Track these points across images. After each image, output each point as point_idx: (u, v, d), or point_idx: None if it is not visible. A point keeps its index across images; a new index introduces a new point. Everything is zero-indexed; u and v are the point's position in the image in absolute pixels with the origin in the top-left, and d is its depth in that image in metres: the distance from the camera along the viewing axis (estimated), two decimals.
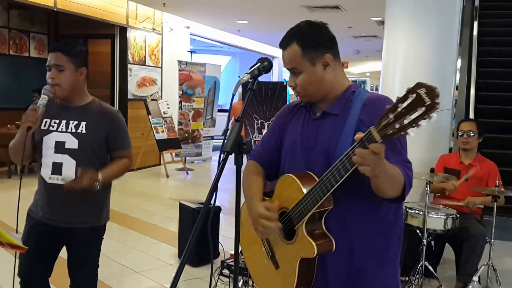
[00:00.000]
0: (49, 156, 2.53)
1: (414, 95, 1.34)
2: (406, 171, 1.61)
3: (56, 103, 2.59)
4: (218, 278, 3.95)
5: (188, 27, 11.59)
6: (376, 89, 20.74)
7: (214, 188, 1.58)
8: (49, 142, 2.53)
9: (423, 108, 1.31)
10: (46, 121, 2.54)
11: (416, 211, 3.88)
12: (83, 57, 2.55)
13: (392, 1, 5.39)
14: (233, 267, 3.90)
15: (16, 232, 2.28)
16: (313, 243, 1.65)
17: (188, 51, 11.93)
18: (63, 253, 2.67)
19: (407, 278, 3.93)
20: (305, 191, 1.67)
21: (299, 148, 1.83)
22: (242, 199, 1.80)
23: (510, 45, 7.84)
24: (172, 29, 10.92)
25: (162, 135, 9.51)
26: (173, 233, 5.35)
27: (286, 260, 1.78)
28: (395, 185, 1.58)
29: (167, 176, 9.39)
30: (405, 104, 1.35)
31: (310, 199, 1.64)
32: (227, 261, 4.06)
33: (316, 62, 1.74)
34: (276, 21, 11.17)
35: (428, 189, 3.82)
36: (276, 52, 17.21)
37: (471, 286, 3.71)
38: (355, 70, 22.32)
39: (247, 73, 1.77)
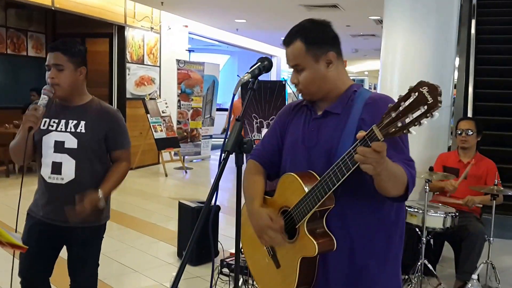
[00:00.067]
0: (48, 156, 2.52)
1: (417, 93, 1.34)
2: (409, 170, 1.61)
3: (55, 102, 2.59)
4: (218, 277, 3.96)
5: (186, 26, 11.58)
6: (375, 88, 20.77)
7: (215, 188, 1.57)
8: (48, 141, 2.52)
9: (425, 107, 1.31)
10: (45, 121, 2.53)
11: (415, 210, 3.89)
12: (82, 56, 2.54)
13: (390, 0, 5.40)
14: (232, 266, 3.90)
15: (16, 232, 2.27)
16: (314, 242, 1.65)
17: (186, 50, 11.92)
18: (63, 253, 2.67)
19: (406, 277, 3.93)
20: (306, 190, 1.67)
21: (300, 147, 1.82)
22: (243, 199, 1.79)
23: (508, 43, 7.87)
24: (170, 28, 10.91)
25: (160, 134, 9.51)
26: (172, 232, 5.35)
27: (287, 259, 1.78)
28: (398, 184, 1.58)
29: (166, 175, 9.39)
30: (407, 103, 1.35)
31: (312, 198, 1.64)
32: (227, 260, 4.06)
33: (319, 59, 1.74)
34: (275, 20, 11.18)
35: (427, 187, 3.82)
36: (274, 51, 17.21)
37: (470, 284, 3.71)
38: (353, 69, 22.34)
39: (247, 72, 1.77)
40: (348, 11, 9.58)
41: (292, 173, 1.74)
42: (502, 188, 3.89)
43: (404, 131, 1.36)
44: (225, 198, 7.26)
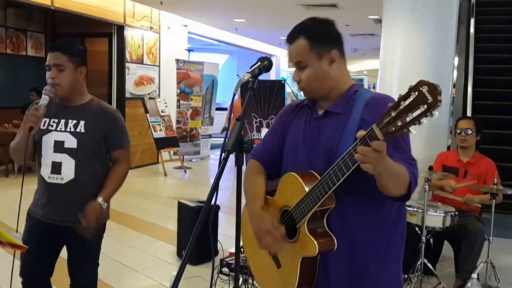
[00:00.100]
0: (48, 156, 2.52)
1: (417, 92, 1.34)
2: (411, 169, 1.61)
3: (55, 102, 2.59)
4: (218, 276, 3.96)
5: (185, 26, 11.58)
6: (374, 87, 20.78)
7: (215, 187, 1.57)
8: (48, 141, 2.52)
9: (425, 106, 1.32)
10: (45, 121, 2.53)
11: (415, 209, 3.89)
12: (82, 56, 2.55)
13: (390, 0, 5.40)
14: (232, 266, 3.90)
15: (17, 232, 2.27)
16: (315, 242, 1.64)
17: (185, 49, 11.91)
18: (63, 253, 2.67)
19: (406, 276, 3.93)
20: (307, 189, 1.66)
21: (301, 147, 1.82)
22: (243, 199, 1.79)
23: (507, 42, 7.88)
24: (169, 28, 10.91)
25: (160, 133, 9.51)
26: (172, 231, 5.35)
27: (288, 259, 1.77)
28: (400, 183, 1.57)
29: (165, 175, 9.38)
30: (407, 102, 1.36)
31: (312, 198, 1.64)
32: (226, 259, 4.06)
33: (322, 57, 1.74)
34: (274, 20, 11.18)
35: (427, 187, 3.83)
36: (274, 50, 17.21)
37: (470, 283, 3.71)
38: (353, 68, 22.35)
39: (247, 72, 1.76)
40: (347, 10, 9.58)
41: (293, 173, 1.74)
42: (501, 188, 3.89)
43: (404, 130, 1.36)
44: (224, 198, 7.26)
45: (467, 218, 4.10)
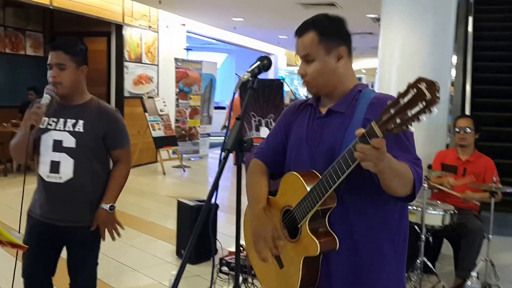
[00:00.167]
0: (47, 155, 2.52)
1: (415, 89, 1.34)
2: (415, 168, 1.60)
3: (55, 101, 2.59)
4: (217, 275, 3.96)
5: (184, 25, 11.57)
6: (372, 86, 20.75)
7: (215, 186, 1.57)
8: (47, 140, 2.52)
9: (424, 103, 1.32)
10: (44, 120, 2.52)
11: (414, 207, 3.89)
12: (84, 55, 2.55)
13: None
14: (232, 265, 3.90)
15: (19, 231, 2.27)
16: (316, 241, 1.64)
17: (184, 48, 11.91)
18: (63, 252, 2.67)
19: (405, 275, 3.93)
20: (308, 188, 1.66)
21: (304, 146, 1.82)
22: (243, 198, 1.78)
23: (505, 40, 7.89)
24: (168, 27, 10.90)
25: (158, 132, 9.50)
26: (171, 230, 5.35)
27: (290, 259, 1.76)
28: (404, 183, 1.56)
29: (164, 174, 9.38)
30: (406, 99, 1.35)
31: (313, 196, 1.63)
32: (226, 258, 4.06)
33: (331, 52, 1.73)
34: (272, 19, 11.18)
35: (426, 185, 3.83)
36: (272, 49, 17.21)
37: (469, 282, 3.72)
38: None
39: (247, 71, 1.76)
40: (345, 9, 9.58)
41: (294, 172, 1.74)
42: (500, 186, 3.89)
43: (403, 127, 1.36)
44: (223, 196, 7.26)
45: (467, 216, 4.11)
